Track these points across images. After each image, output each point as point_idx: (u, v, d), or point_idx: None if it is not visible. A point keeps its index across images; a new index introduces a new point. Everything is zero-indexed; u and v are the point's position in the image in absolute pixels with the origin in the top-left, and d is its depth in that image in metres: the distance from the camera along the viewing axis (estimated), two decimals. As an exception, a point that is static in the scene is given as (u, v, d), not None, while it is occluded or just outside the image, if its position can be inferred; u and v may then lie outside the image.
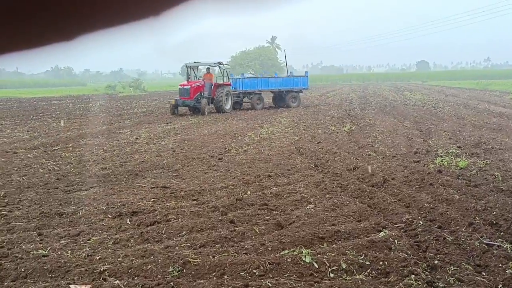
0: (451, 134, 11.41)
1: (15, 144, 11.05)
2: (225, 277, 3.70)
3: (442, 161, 7.85)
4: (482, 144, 9.60)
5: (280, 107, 22.17)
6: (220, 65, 19.62)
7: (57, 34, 0.41)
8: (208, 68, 20.26)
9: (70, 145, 10.96)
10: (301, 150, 9.80)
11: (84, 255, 4.23)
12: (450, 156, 8.30)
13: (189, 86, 18.16)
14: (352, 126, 13.81)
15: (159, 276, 3.74)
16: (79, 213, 5.53)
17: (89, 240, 4.63)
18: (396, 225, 4.79)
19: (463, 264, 3.74)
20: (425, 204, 5.36)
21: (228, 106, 19.71)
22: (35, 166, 8.43)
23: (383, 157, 8.61)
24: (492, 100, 24.13)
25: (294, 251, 4.07)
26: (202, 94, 18.71)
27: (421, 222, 4.75)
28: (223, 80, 19.68)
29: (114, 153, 9.83)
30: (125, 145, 10.88)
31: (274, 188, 6.51)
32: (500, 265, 3.68)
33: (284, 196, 6.11)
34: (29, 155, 9.55)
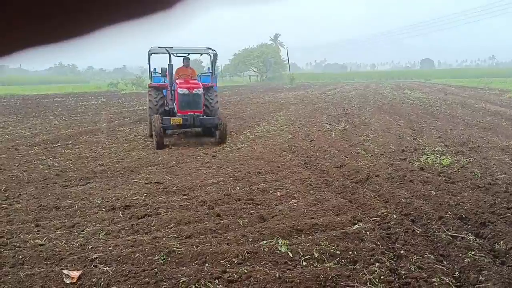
0: (441, 132, 11.66)
1: (17, 141, 11.40)
2: (206, 264, 4.00)
3: (427, 159, 8.12)
4: (469, 142, 9.86)
5: None
6: (215, 54, 11.93)
7: (69, 31, 0.41)
8: (186, 60, 12.04)
9: (70, 142, 11.30)
10: (293, 148, 10.09)
11: (77, 244, 4.54)
12: (435, 154, 8.57)
13: (201, 88, 10.69)
14: (347, 125, 14.08)
15: (145, 264, 4.05)
16: (75, 206, 5.85)
17: (82, 231, 4.94)
18: (371, 219, 5.08)
19: (426, 254, 4.03)
20: (402, 200, 5.65)
21: None
22: (36, 162, 8.77)
23: (371, 155, 8.88)
24: (490, 99, 24.29)
25: (272, 241, 4.38)
26: None
27: (395, 216, 5.04)
28: (212, 79, 12.39)
29: (112, 150, 10.16)
30: (124, 142, 11.20)
31: (262, 184, 6.81)
32: (460, 254, 3.97)
33: (271, 191, 6.40)
34: (30, 152, 9.89)
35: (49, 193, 6.52)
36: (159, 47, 11.62)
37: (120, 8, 0.41)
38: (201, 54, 12.65)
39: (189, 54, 12.08)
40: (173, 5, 0.45)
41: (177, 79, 11.29)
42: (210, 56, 12.08)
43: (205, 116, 10.71)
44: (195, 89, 10.46)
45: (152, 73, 12.14)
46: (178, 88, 10.47)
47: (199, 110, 10.53)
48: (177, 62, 12.50)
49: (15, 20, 0.39)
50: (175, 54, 11.74)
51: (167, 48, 11.22)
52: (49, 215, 5.53)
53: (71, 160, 8.97)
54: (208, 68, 13.33)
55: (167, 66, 11.19)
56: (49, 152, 9.87)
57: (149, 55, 11.94)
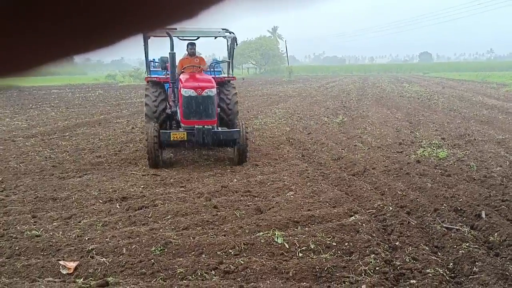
0: (438, 126, 11.69)
1: (14, 133, 11.37)
2: (203, 255, 4.02)
3: (423, 151, 8.15)
4: (466, 135, 9.90)
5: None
6: (233, 38, 8.77)
7: (96, 42, 0.42)
8: (192, 45, 8.85)
9: (67, 134, 11.28)
10: (291, 140, 10.10)
11: (74, 235, 4.55)
12: (432, 147, 8.60)
13: (214, 88, 7.65)
14: (344, 118, 14.08)
15: (142, 255, 4.07)
16: (72, 198, 5.86)
17: (79, 222, 4.95)
18: (367, 211, 5.11)
19: (421, 245, 4.06)
20: (399, 192, 5.68)
21: None
22: (32, 153, 8.75)
23: (369, 148, 8.90)
24: (488, 93, 24.31)
25: (268, 233, 4.40)
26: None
27: (391, 208, 5.06)
28: (229, 70, 9.32)
29: (110, 142, 10.14)
30: (121, 134, 11.19)
31: (259, 176, 6.83)
32: (455, 246, 4.00)
33: (268, 184, 6.42)
34: (26, 143, 9.87)
35: (46, 184, 6.52)
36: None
37: (145, 18, 0.42)
38: (215, 38, 9.02)
39: (198, 37, 9.02)
40: (198, 15, 0.44)
41: (182, 73, 8.26)
42: (227, 40, 8.97)
43: (219, 129, 7.75)
44: (206, 90, 7.36)
45: (151, 63, 9.33)
46: (181, 88, 7.45)
47: (212, 120, 7.44)
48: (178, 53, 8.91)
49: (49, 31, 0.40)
50: (180, 38, 8.83)
51: (168, 30, 7.29)
52: (46, 207, 5.53)
53: (68, 152, 8.96)
54: (215, 59, 10.57)
55: (168, 55, 8.01)
56: (46, 144, 9.86)
57: (145, 38, 8.23)
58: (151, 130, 7.25)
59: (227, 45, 9.19)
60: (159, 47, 9.17)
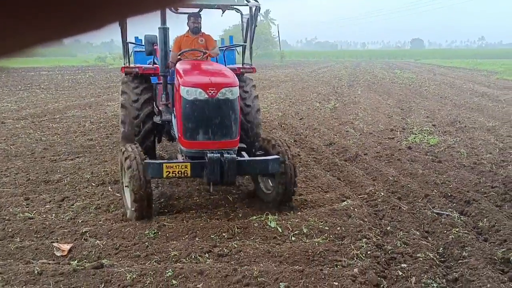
0: (429, 112, 11.78)
1: (4, 114, 11.21)
2: (196, 239, 4.05)
3: (414, 138, 8.23)
4: (456, 122, 10.00)
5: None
6: (256, 7, 5.78)
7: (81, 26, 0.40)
8: (195, 17, 5.79)
9: (58, 116, 11.15)
10: (283, 125, 10.11)
11: (67, 218, 4.56)
12: (423, 133, 8.68)
13: (237, 87, 4.64)
14: (336, 103, 14.11)
15: (136, 238, 4.08)
16: (64, 181, 5.83)
17: (72, 205, 4.95)
18: (359, 196, 5.18)
19: (412, 230, 4.14)
20: (390, 178, 5.75)
21: None
22: (23, 136, 8.66)
23: (360, 134, 8.96)
24: (478, 80, 24.47)
25: (261, 217, 4.44)
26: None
27: (382, 193, 5.13)
28: (246, 57, 6.45)
29: (101, 125, 10.06)
30: (112, 118, 11.08)
31: (252, 161, 6.84)
32: (445, 231, 4.09)
33: (261, 168, 6.44)
34: (17, 125, 9.75)
35: (37, 167, 6.47)
36: None
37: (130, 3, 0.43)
38: (223, 11, 6.06)
39: (201, 9, 6.05)
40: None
41: (179, 61, 5.38)
42: (242, 16, 6.31)
43: (246, 156, 4.86)
44: (223, 89, 4.52)
45: (131, 44, 6.72)
46: (181, 86, 4.61)
47: (232, 140, 4.63)
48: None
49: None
50: (174, 10, 5.28)
51: None
52: (38, 189, 5.51)
53: (59, 135, 8.88)
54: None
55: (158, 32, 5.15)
56: (36, 126, 9.75)
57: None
58: (137, 157, 4.35)
59: (241, 21, 6.31)
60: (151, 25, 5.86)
